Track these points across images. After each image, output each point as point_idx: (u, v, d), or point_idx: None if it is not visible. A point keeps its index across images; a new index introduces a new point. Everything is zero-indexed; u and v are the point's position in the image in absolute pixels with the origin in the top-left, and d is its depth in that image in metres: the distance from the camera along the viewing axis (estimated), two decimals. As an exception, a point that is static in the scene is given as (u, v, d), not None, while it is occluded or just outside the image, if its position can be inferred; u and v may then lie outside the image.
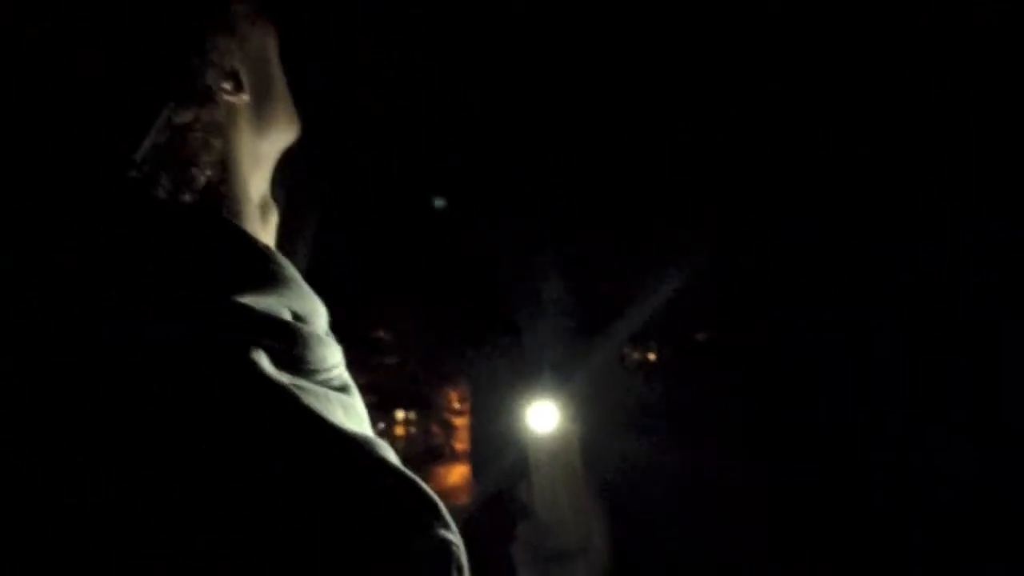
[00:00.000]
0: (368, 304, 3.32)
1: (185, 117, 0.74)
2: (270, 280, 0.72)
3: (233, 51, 0.78)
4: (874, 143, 3.19)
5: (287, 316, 0.72)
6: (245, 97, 0.80)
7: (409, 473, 0.65)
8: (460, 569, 0.64)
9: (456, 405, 3.24)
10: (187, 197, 0.74)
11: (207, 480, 0.62)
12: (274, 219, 0.85)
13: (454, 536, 0.65)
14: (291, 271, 0.75)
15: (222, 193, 0.77)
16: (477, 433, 3.23)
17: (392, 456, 0.67)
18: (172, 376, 0.64)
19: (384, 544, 0.62)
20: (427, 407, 3.23)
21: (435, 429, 3.14)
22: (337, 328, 0.82)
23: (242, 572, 0.60)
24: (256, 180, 0.82)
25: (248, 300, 0.69)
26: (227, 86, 0.78)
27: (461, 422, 3.24)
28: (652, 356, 3.31)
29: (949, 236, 3.14)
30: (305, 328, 0.73)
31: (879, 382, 3.13)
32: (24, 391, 0.64)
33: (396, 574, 0.61)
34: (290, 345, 0.70)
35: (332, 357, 0.75)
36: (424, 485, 0.65)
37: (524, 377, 3.01)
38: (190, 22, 0.75)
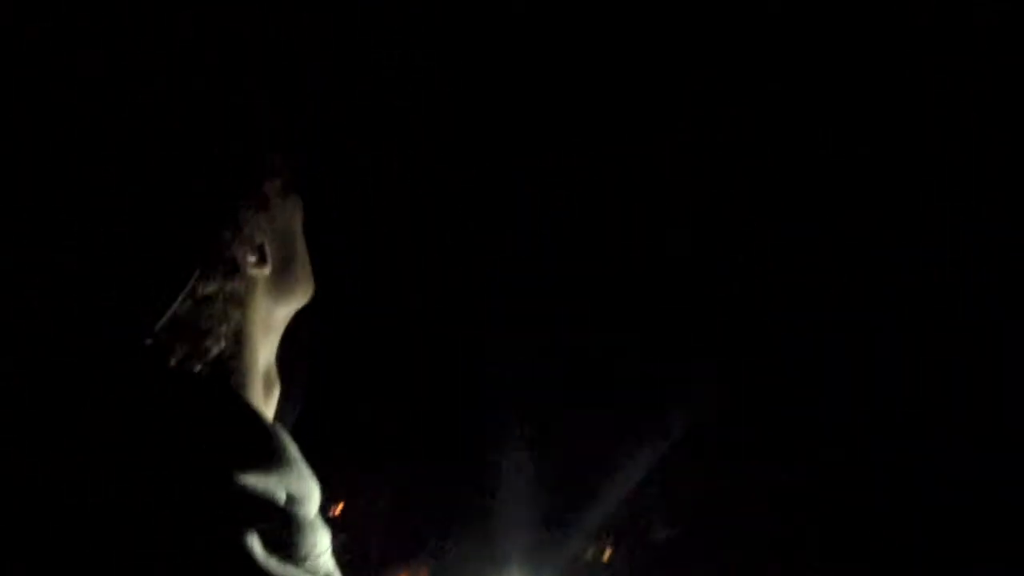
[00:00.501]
0: (330, 474, 3.32)
1: (209, 288, 0.75)
2: (271, 459, 0.72)
3: (263, 225, 0.79)
4: (874, 143, 3.19)
5: (283, 498, 0.72)
6: (267, 270, 0.80)
7: None
8: None
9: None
10: (197, 367, 0.74)
11: None
12: (277, 390, 0.85)
13: None
14: (292, 451, 0.75)
15: (232, 366, 0.77)
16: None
17: None
18: (171, 562, 0.64)
19: None
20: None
21: None
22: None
23: None
24: (265, 350, 0.83)
25: (248, 480, 0.69)
26: (252, 259, 0.78)
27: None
28: (608, 553, 3.35)
29: (949, 236, 3.14)
30: (299, 512, 0.73)
31: (879, 383, 3.13)
32: None
33: None
34: (283, 530, 0.70)
35: (321, 542, 0.75)
36: None
37: (489, 567, 3.05)
38: (225, 196, 0.76)
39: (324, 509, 0.81)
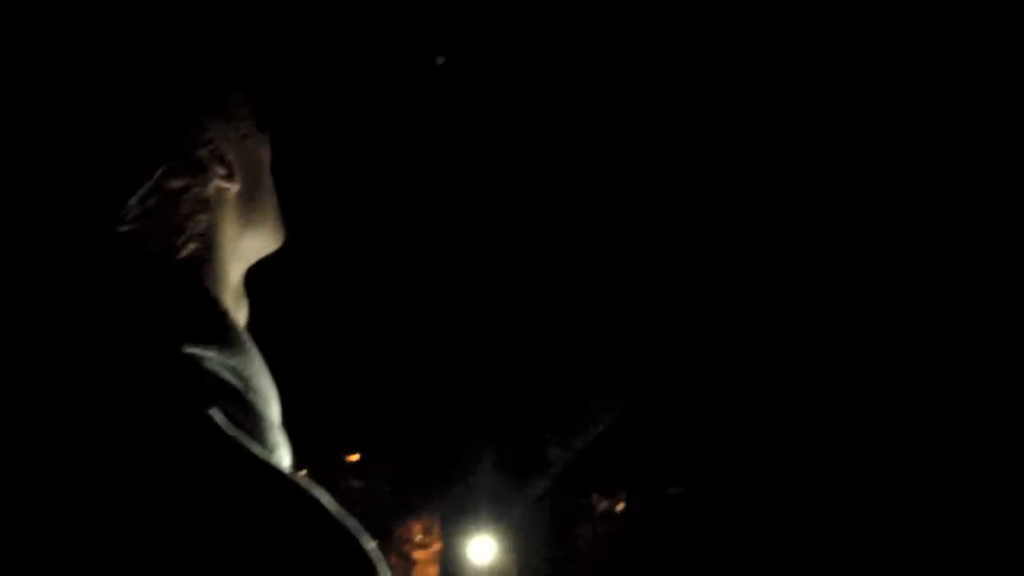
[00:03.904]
0: (339, 426, 3.41)
1: (176, 184, 0.77)
2: (230, 345, 0.76)
3: (230, 140, 0.82)
4: (873, 143, 3.18)
5: (239, 385, 0.75)
6: (236, 187, 0.82)
7: (357, 534, 0.69)
8: None
9: (419, 538, 3.20)
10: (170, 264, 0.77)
11: (172, 529, 0.65)
12: (245, 311, 0.88)
13: None
14: (255, 350, 0.79)
15: (204, 270, 0.80)
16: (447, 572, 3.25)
17: (350, 521, 0.70)
18: (136, 432, 0.67)
19: None
20: (388, 536, 3.16)
21: (394, 561, 3.07)
22: (307, 447, 0.84)
23: None
24: (234, 271, 0.85)
25: (202, 354, 0.72)
26: (220, 170, 0.81)
27: (421, 556, 3.20)
28: (620, 506, 3.46)
29: (949, 236, 3.13)
30: (258, 405, 0.76)
31: (877, 388, 3.14)
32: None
33: None
34: (243, 416, 0.73)
35: (283, 451, 0.78)
36: (369, 546, 0.69)
37: (467, 514, 3.12)
38: (189, 97, 0.79)
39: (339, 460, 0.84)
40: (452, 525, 3.16)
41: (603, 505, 3.40)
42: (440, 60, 3.19)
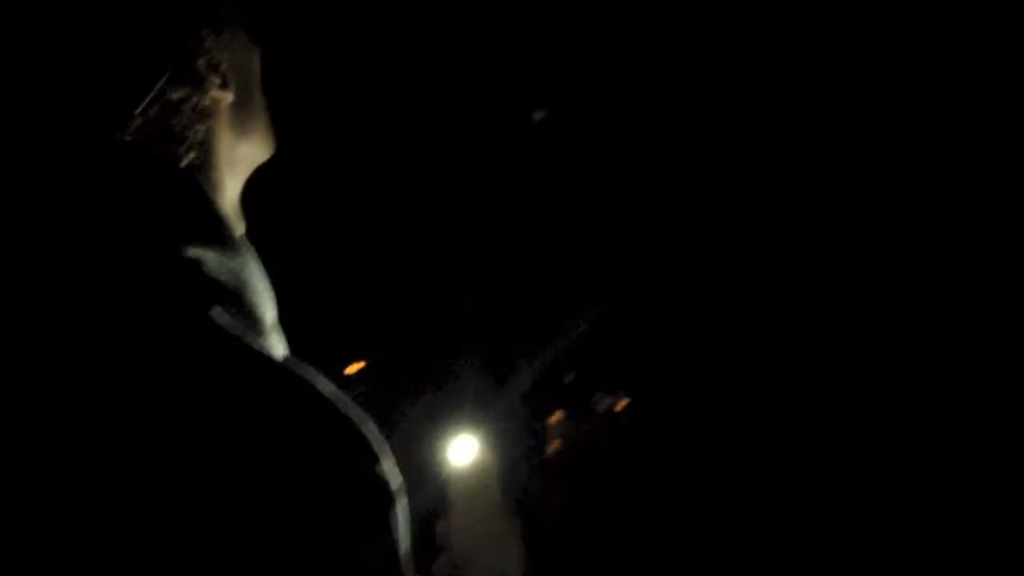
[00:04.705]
0: (341, 336, 3.48)
1: (177, 94, 0.81)
2: (225, 247, 0.79)
3: (223, 51, 0.86)
4: (872, 143, 3.19)
5: (236, 285, 0.78)
6: (230, 96, 0.86)
7: (360, 422, 0.71)
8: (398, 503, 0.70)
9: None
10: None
11: (180, 422, 0.67)
12: (243, 224, 0.91)
13: (395, 476, 0.71)
14: (250, 253, 0.83)
15: (200, 178, 0.83)
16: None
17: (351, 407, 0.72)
18: (139, 332, 0.70)
19: (330, 480, 0.67)
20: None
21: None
22: (313, 358, 0.85)
23: (204, 497, 0.65)
24: (230, 180, 0.88)
25: (201, 256, 0.76)
26: (215, 80, 0.84)
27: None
28: (622, 404, 3.45)
29: (949, 236, 3.14)
30: (254, 305, 0.79)
31: (875, 390, 3.13)
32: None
33: (343, 505, 0.67)
34: (241, 316, 0.76)
35: (279, 347, 0.82)
36: (369, 429, 0.71)
37: (444, 415, 3.12)
38: (188, 8, 0.83)
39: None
40: (435, 427, 3.13)
41: (605, 403, 3.35)
42: None
